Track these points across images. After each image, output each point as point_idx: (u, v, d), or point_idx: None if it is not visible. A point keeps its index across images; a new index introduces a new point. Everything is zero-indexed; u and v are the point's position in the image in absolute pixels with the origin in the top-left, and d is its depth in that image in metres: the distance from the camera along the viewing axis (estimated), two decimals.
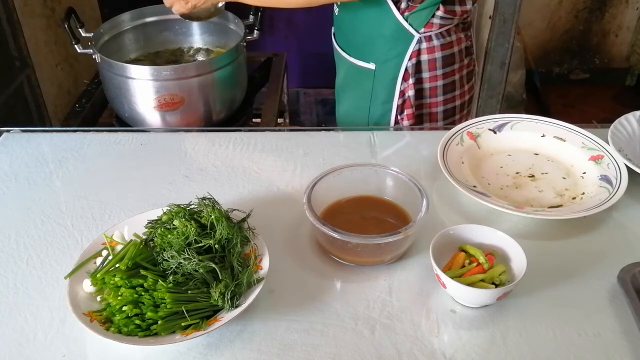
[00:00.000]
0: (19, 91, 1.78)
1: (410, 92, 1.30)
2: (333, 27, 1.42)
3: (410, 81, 1.29)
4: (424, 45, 1.26)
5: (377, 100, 1.34)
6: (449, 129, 1.14)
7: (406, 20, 1.23)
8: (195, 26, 1.68)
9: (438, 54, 1.27)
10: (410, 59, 1.27)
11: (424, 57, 1.28)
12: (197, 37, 1.70)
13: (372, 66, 1.31)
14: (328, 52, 1.47)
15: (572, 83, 3.25)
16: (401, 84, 1.30)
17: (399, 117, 1.34)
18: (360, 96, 1.37)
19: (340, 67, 1.42)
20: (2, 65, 1.70)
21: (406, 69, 1.28)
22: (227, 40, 1.62)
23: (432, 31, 1.25)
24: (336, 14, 1.36)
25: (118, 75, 1.39)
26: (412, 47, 1.26)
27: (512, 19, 2.21)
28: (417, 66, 1.28)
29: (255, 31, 1.57)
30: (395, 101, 1.32)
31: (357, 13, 1.27)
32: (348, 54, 1.36)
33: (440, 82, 1.31)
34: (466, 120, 1.29)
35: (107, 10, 2.30)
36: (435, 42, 1.26)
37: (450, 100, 1.34)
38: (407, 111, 1.32)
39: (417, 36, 1.25)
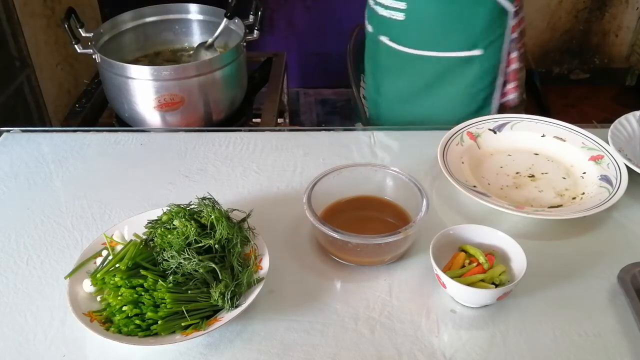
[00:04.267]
0: (19, 91, 1.78)
1: (514, 65, 1.35)
2: (384, 37, 1.36)
3: (513, 55, 1.34)
4: (516, 18, 1.31)
5: (485, 84, 1.36)
6: (449, 129, 1.14)
7: None
8: (195, 26, 1.68)
9: (522, 25, 1.34)
10: (512, 33, 1.31)
11: (518, 28, 1.32)
12: (197, 37, 1.69)
13: (478, 52, 1.31)
14: (328, 52, 1.47)
15: (572, 83, 3.25)
16: (506, 60, 1.34)
17: (502, 92, 1.38)
18: (462, 86, 1.36)
19: (414, 70, 1.37)
20: (2, 65, 1.70)
21: (510, 44, 1.33)
22: (227, 40, 1.62)
23: (519, 4, 1.31)
24: (398, 18, 1.30)
25: (118, 75, 1.39)
26: (510, 22, 1.30)
27: None
28: (517, 39, 1.33)
29: (255, 31, 1.57)
30: (501, 78, 1.36)
31: (449, 5, 1.27)
32: (437, 51, 1.32)
33: (522, 50, 1.38)
34: None
35: (107, 10, 2.30)
36: (521, 14, 1.33)
37: (522, 68, 1.41)
38: (513, 84, 1.37)
39: (512, 10, 1.29)
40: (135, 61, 1.63)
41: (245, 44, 1.52)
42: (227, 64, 1.44)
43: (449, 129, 1.14)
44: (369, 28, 1.42)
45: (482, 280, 0.82)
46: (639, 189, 1.03)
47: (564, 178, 1.08)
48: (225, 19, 1.50)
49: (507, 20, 1.30)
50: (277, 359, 0.77)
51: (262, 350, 0.78)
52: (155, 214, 0.89)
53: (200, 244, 0.83)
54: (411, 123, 1.44)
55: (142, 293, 0.78)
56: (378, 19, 1.36)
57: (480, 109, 1.38)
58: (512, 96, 1.38)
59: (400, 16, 1.31)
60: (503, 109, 1.41)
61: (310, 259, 0.92)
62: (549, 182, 1.07)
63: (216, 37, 1.54)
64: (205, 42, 1.56)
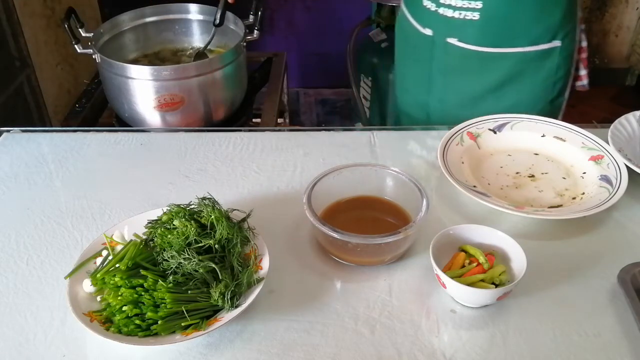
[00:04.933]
0: (19, 91, 1.78)
1: (584, 54, 1.35)
2: (453, 39, 1.32)
3: (584, 43, 1.34)
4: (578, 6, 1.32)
5: (561, 74, 1.36)
6: (449, 128, 1.14)
7: None
8: (195, 26, 1.69)
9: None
10: (580, 23, 1.32)
11: (579, 14, 1.33)
12: (197, 37, 1.70)
13: (556, 44, 1.30)
14: (328, 52, 1.47)
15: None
16: (578, 48, 1.35)
17: (577, 77, 1.40)
18: (541, 79, 1.35)
19: (491, 70, 1.34)
20: (2, 65, 1.70)
21: (581, 32, 1.33)
22: (227, 40, 1.62)
23: None
24: (476, 18, 1.27)
25: (118, 75, 1.39)
26: (579, 10, 1.31)
27: None
28: (583, 29, 1.34)
29: (255, 31, 1.57)
30: (573, 67, 1.37)
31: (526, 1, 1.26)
32: (515, 47, 1.30)
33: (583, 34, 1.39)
34: None
35: (107, 10, 2.30)
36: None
37: None
38: (585, 71, 1.38)
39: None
40: (135, 61, 1.63)
41: (245, 44, 1.52)
42: (227, 64, 1.45)
43: (449, 129, 1.14)
44: (427, 32, 1.36)
45: (482, 280, 0.82)
46: (639, 189, 1.03)
47: (564, 178, 1.08)
48: (214, 28, 1.52)
49: (578, 8, 1.31)
50: (277, 359, 0.77)
51: (262, 350, 0.78)
52: (155, 214, 0.89)
53: (200, 244, 0.83)
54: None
55: (142, 293, 0.78)
56: (444, 21, 1.30)
57: (556, 100, 1.40)
58: (585, 82, 1.40)
59: (475, 16, 1.27)
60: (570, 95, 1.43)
61: (310, 259, 0.92)
62: (549, 182, 1.07)
63: (207, 45, 1.57)
64: (199, 49, 1.59)
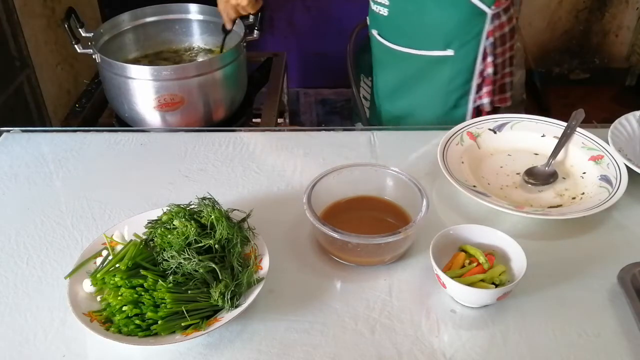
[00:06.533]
0: (19, 91, 1.78)
1: (490, 70, 1.33)
2: (374, 30, 1.41)
3: (489, 59, 1.32)
4: (496, 22, 1.29)
5: (456, 85, 1.36)
6: (449, 128, 1.14)
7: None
8: (195, 26, 1.68)
9: (507, 28, 1.32)
10: (487, 38, 1.29)
11: (497, 33, 1.30)
12: (197, 37, 1.70)
13: (450, 52, 1.31)
14: (328, 52, 1.48)
15: (572, 83, 3.24)
16: (480, 64, 1.32)
17: (476, 95, 1.36)
18: (435, 86, 1.37)
19: (397, 66, 1.40)
20: (2, 65, 1.70)
21: (484, 49, 1.31)
22: (227, 40, 1.62)
23: (500, 7, 1.28)
24: (383, 14, 1.35)
25: (118, 75, 1.39)
26: (487, 26, 1.28)
27: None
28: (494, 44, 1.31)
29: (255, 31, 1.57)
30: (475, 81, 1.35)
31: (423, 3, 1.28)
32: (414, 48, 1.34)
33: (508, 55, 1.36)
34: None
35: (107, 10, 2.30)
36: (503, 18, 1.30)
37: (513, 71, 1.40)
38: (486, 88, 1.35)
39: (489, 14, 1.27)
40: (135, 61, 1.63)
41: (245, 44, 1.52)
42: (227, 64, 1.44)
43: (449, 128, 1.14)
44: (368, 21, 1.46)
45: (482, 280, 0.82)
46: (639, 189, 1.03)
47: (563, 178, 1.08)
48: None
49: (484, 23, 1.28)
50: (277, 359, 0.77)
51: (262, 350, 0.78)
52: (155, 214, 0.89)
53: (200, 244, 0.83)
54: (396, 119, 1.45)
55: (142, 293, 0.78)
56: (371, 13, 1.41)
57: (454, 110, 1.38)
58: (485, 101, 1.36)
59: (384, 12, 1.35)
60: (480, 112, 1.39)
61: (310, 259, 0.92)
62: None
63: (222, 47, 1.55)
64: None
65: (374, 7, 1.38)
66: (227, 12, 1.39)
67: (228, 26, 1.44)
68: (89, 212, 1.01)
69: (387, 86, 1.46)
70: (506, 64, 1.37)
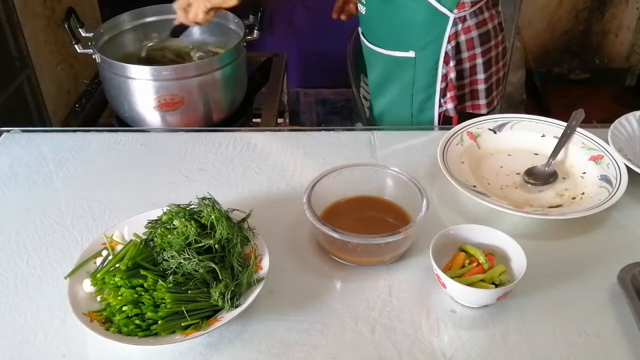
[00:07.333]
0: (19, 91, 1.78)
1: (452, 75, 1.31)
2: (360, 28, 1.42)
3: (451, 64, 1.29)
4: (460, 26, 1.27)
5: (420, 88, 1.34)
6: (449, 129, 1.14)
7: (439, 2, 1.23)
8: (195, 26, 1.68)
9: (474, 33, 1.28)
10: (449, 41, 1.27)
11: (462, 37, 1.28)
12: (197, 37, 1.69)
13: (411, 54, 1.30)
14: (328, 52, 1.48)
15: (572, 83, 3.25)
16: (443, 68, 1.30)
17: (442, 100, 1.34)
18: (401, 87, 1.36)
19: (375, 65, 1.41)
20: (2, 65, 1.70)
21: (446, 52, 1.29)
22: (227, 40, 1.62)
23: (465, 11, 1.25)
24: (363, 13, 1.36)
25: (118, 75, 1.39)
26: (449, 29, 1.26)
27: (512, 19, 2.21)
28: (457, 48, 1.29)
29: (255, 31, 1.57)
30: (438, 85, 1.33)
31: (389, 4, 1.27)
32: (383, 48, 1.35)
33: (479, 60, 1.32)
34: (502, 97, 1.34)
35: (107, 10, 2.30)
36: (470, 22, 1.27)
37: (489, 78, 1.36)
38: (450, 93, 1.33)
39: (451, 17, 1.25)
40: (135, 61, 1.63)
41: (245, 44, 1.52)
42: (227, 64, 1.44)
43: (449, 128, 1.14)
44: None
45: (482, 280, 0.82)
46: (639, 189, 1.03)
47: (563, 178, 1.08)
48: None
49: (446, 26, 1.26)
50: (277, 359, 0.77)
51: (262, 350, 0.78)
52: (155, 214, 0.89)
53: (200, 244, 0.83)
54: (379, 117, 1.46)
55: (142, 293, 0.78)
56: (359, 12, 1.40)
57: (421, 113, 1.37)
58: (449, 106, 1.33)
59: (363, 10, 1.36)
60: (449, 118, 1.37)
61: (310, 259, 0.92)
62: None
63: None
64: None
65: (358, 5, 1.38)
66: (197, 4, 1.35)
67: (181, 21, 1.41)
68: (89, 212, 1.01)
69: (371, 85, 1.46)
70: (478, 69, 1.33)
